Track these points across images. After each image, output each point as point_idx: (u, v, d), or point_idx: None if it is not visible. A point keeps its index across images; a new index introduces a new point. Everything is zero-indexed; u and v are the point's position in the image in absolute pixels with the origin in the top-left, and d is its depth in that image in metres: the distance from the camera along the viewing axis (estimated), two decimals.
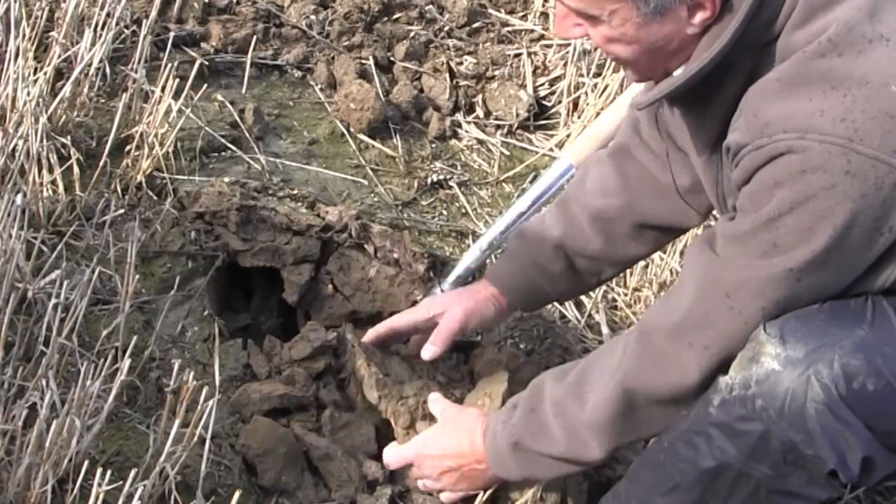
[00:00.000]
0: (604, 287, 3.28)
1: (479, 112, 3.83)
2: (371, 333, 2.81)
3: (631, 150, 2.64)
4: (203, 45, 3.54)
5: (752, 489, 2.13)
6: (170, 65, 3.01)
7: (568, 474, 2.47)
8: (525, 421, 2.39)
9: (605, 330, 3.23)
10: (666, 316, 2.22)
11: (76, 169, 2.83)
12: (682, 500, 2.22)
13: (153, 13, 3.30)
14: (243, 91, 3.50)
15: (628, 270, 3.32)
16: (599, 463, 2.39)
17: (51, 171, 2.81)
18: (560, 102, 3.91)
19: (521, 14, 4.13)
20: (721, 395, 2.11)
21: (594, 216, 2.65)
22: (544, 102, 3.94)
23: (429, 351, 2.71)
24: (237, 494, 2.09)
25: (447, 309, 2.73)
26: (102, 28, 3.09)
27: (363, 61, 3.72)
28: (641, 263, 3.30)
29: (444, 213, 3.44)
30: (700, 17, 2.05)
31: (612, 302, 3.32)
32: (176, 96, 3.01)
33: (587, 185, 2.71)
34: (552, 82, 3.97)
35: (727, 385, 2.11)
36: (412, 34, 3.90)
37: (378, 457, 2.65)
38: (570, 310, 3.25)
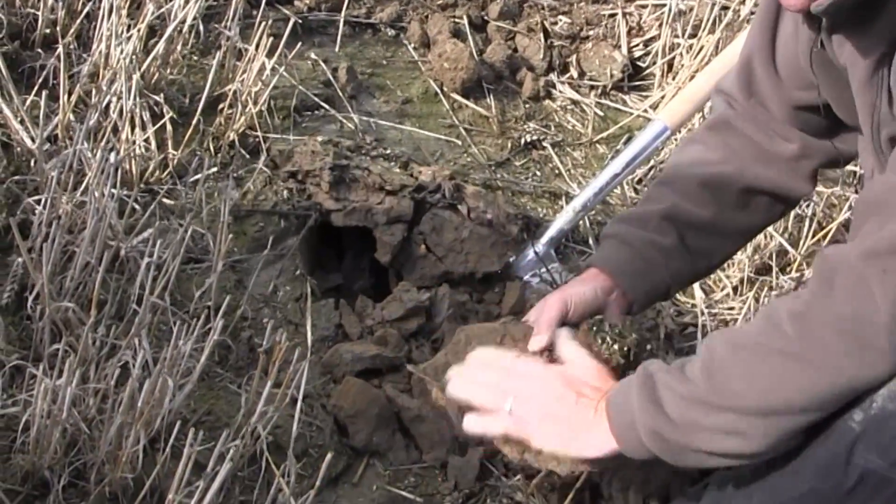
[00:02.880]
0: None
1: (573, 72, 3.79)
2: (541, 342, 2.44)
3: (730, 122, 2.50)
4: (296, 2, 3.54)
5: (892, 493, 2.02)
6: (263, 23, 2.96)
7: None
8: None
9: (698, 293, 3.19)
10: (853, 246, 1.95)
11: (169, 127, 2.81)
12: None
13: None
14: (336, 50, 3.49)
15: None
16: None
17: (144, 128, 2.78)
18: (654, 63, 3.86)
19: None
20: (863, 411, 1.97)
21: (703, 183, 2.46)
22: (639, 63, 3.89)
23: (535, 342, 2.38)
24: (328, 456, 2.06)
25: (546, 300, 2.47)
26: None
27: (457, 20, 3.67)
28: None
29: (538, 173, 3.40)
30: None
31: None
32: (269, 54, 2.97)
33: (688, 158, 2.54)
34: (647, 43, 3.91)
35: (869, 399, 1.97)
36: None
37: None
38: None
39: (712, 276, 3.22)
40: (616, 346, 2.35)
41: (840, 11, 1.96)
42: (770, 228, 3.20)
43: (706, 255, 2.50)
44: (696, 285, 3.16)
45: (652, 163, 3.46)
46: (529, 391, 2.18)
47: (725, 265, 3.22)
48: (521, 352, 2.31)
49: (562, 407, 2.14)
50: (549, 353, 2.32)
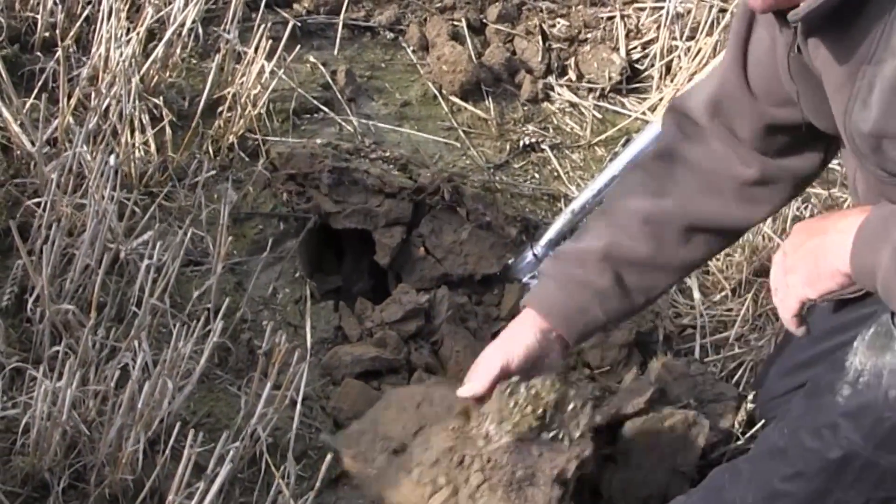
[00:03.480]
0: None
1: (572, 75, 3.77)
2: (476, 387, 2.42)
3: (678, 151, 2.45)
4: (295, 6, 3.54)
5: (878, 477, 2.05)
6: (262, 26, 2.96)
7: None
8: None
9: (696, 295, 3.16)
10: None
11: (168, 130, 2.81)
12: (804, 487, 2.14)
13: None
14: (335, 53, 3.48)
15: None
16: None
17: (143, 131, 2.79)
18: (653, 66, 3.85)
19: None
20: (850, 385, 2.01)
21: (643, 220, 2.41)
22: (637, 66, 3.88)
23: (464, 391, 2.38)
24: (328, 456, 2.05)
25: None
26: None
27: (455, 23, 3.67)
28: None
29: (537, 176, 3.39)
30: None
31: (704, 267, 3.24)
32: (268, 57, 2.98)
33: (631, 190, 2.48)
34: (645, 45, 3.90)
35: (856, 372, 2.00)
36: None
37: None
38: None
39: (710, 277, 3.22)
40: (529, 409, 2.32)
41: (816, 18, 1.96)
42: (768, 230, 3.20)
43: (644, 291, 2.45)
44: (694, 287, 3.16)
45: None
46: None
47: (724, 268, 3.22)
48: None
49: None
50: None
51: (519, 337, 2.40)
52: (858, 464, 2.05)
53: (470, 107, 3.50)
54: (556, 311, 2.40)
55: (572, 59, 3.79)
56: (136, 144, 2.75)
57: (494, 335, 2.56)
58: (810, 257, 2.06)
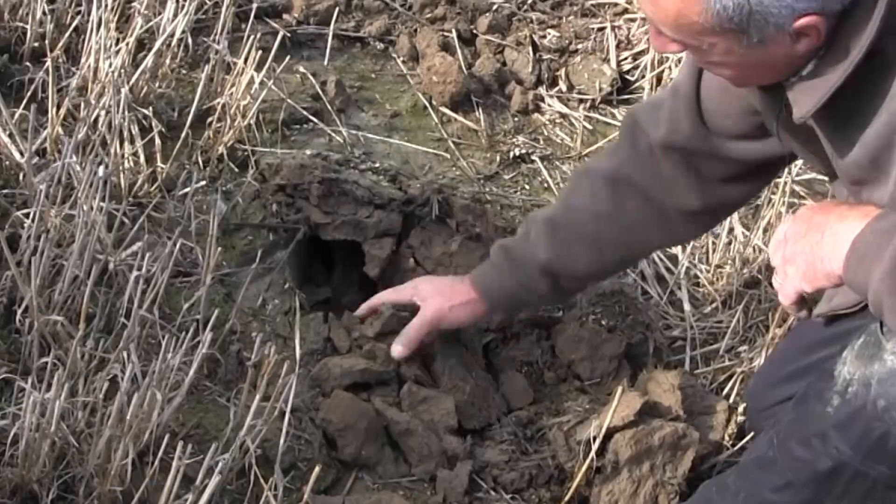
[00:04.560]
0: (686, 263, 3.23)
1: (562, 86, 3.77)
2: (362, 309, 2.80)
3: (631, 179, 2.56)
4: (285, 16, 3.54)
5: (868, 488, 2.06)
6: (252, 36, 2.97)
7: None
8: None
9: (687, 307, 3.16)
10: None
11: (157, 140, 2.81)
12: (794, 498, 2.15)
13: None
14: (325, 63, 3.49)
15: (711, 247, 3.27)
16: None
17: (132, 142, 2.80)
18: (644, 77, 3.85)
19: None
20: (839, 395, 2.03)
21: (588, 241, 2.62)
22: (628, 77, 3.88)
23: (395, 350, 2.67)
24: (317, 469, 2.06)
25: (425, 303, 2.71)
26: None
27: (446, 34, 3.68)
28: (724, 240, 3.25)
29: (527, 187, 3.40)
30: (805, 44, 1.95)
31: (694, 279, 3.25)
32: (258, 68, 2.98)
33: (581, 206, 2.64)
34: (636, 56, 3.91)
35: (845, 382, 2.02)
36: (495, 7, 3.85)
37: (458, 432, 2.63)
38: (652, 287, 3.19)
39: (701, 290, 3.22)
40: None
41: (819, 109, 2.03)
42: (759, 241, 3.22)
43: (577, 290, 2.83)
44: (685, 299, 3.17)
45: None
46: None
47: (715, 280, 3.23)
48: None
49: None
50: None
51: (455, 318, 2.70)
52: (848, 474, 2.06)
53: (460, 118, 3.51)
54: (498, 301, 2.71)
55: (563, 70, 3.79)
56: (126, 155, 2.75)
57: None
58: (808, 252, 2.10)
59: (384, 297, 2.77)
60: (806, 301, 2.22)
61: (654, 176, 2.52)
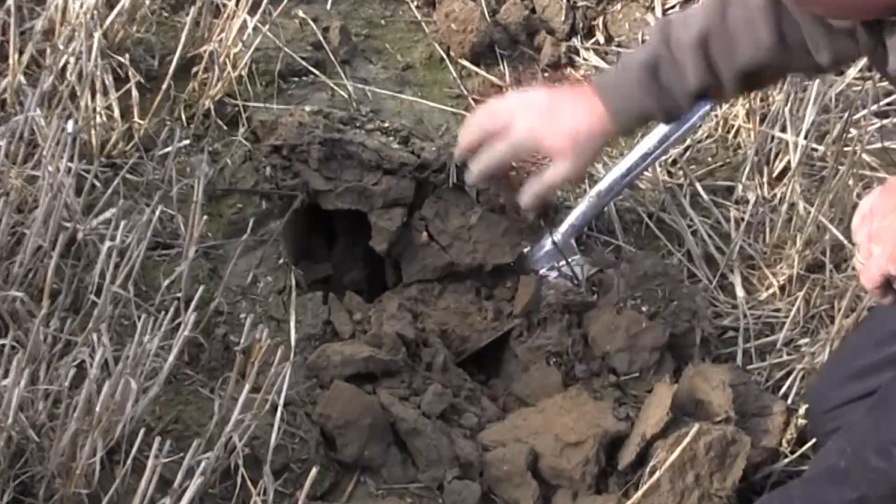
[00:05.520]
0: (739, 242, 3.23)
1: (599, 37, 3.77)
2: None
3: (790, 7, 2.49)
4: None
5: None
6: None
7: None
8: None
9: (739, 292, 3.16)
10: None
11: (135, 92, 2.81)
12: None
13: None
14: (328, 7, 3.47)
15: (768, 226, 3.27)
16: None
17: (106, 94, 2.78)
18: None
19: None
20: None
21: (736, 73, 2.49)
22: None
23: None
24: (313, 471, 2.03)
25: (554, 146, 2.61)
26: None
27: None
28: (784, 216, 3.24)
29: None
30: None
31: (748, 260, 3.25)
32: (251, 11, 2.97)
33: (740, 34, 2.49)
34: (683, 4, 3.88)
35: None
36: None
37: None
38: (700, 268, 3.20)
39: (756, 273, 3.21)
40: None
41: None
42: (824, 220, 3.19)
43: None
44: (737, 283, 3.16)
45: (689, 142, 3.45)
46: None
47: (772, 261, 3.21)
48: None
49: None
50: None
51: (587, 148, 2.59)
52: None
53: (482, 72, 3.51)
54: (626, 122, 2.58)
55: (600, 19, 3.79)
56: (98, 109, 2.74)
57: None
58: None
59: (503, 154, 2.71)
60: (892, 285, 2.19)
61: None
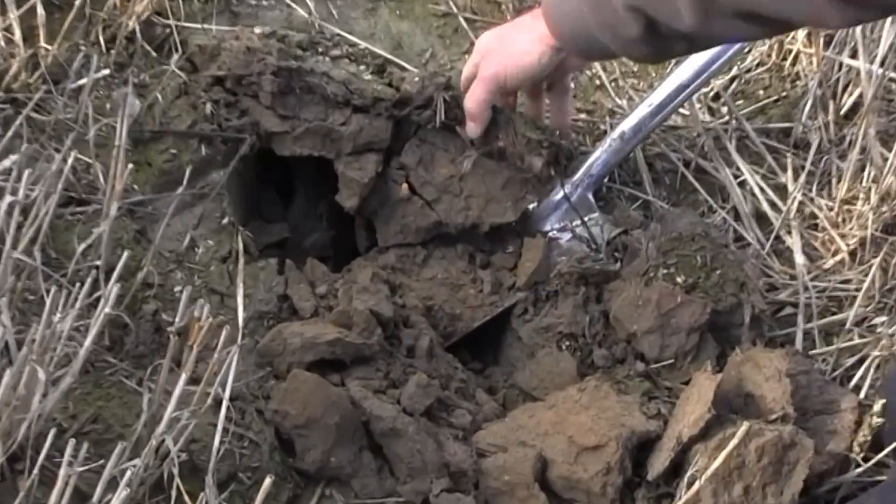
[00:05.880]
0: (798, 196, 3.25)
1: None
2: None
3: None
4: None
5: None
6: None
7: None
8: None
9: (799, 259, 3.16)
10: None
11: (40, 10, 2.80)
12: None
13: None
14: None
15: (834, 178, 3.29)
16: None
17: (4, 13, 2.78)
18: None
19: None
20: None
21: None
22: None
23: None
24: (267, 482, 2.01)
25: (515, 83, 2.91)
26: None
27: None
28: (855, 164, 3.25)
29: (572, 84, 3.37)
30: None
31: (810, 218, 3.26)
32: None
33: None
34: None
35: None
36: None
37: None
38: (749, 229, 3.21)
39: (820, 234, 3.22)
40: None
41: None
42: None
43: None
44: (797, 248, 3.16)
45: (735, 70, 3.46)
46: None
47: (840, 221, 3.22)
48: None
49: None
50: None
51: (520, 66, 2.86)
52: None
53: None
54: (574, 44, 2.77)
55: None
56: None
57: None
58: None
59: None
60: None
61: None
